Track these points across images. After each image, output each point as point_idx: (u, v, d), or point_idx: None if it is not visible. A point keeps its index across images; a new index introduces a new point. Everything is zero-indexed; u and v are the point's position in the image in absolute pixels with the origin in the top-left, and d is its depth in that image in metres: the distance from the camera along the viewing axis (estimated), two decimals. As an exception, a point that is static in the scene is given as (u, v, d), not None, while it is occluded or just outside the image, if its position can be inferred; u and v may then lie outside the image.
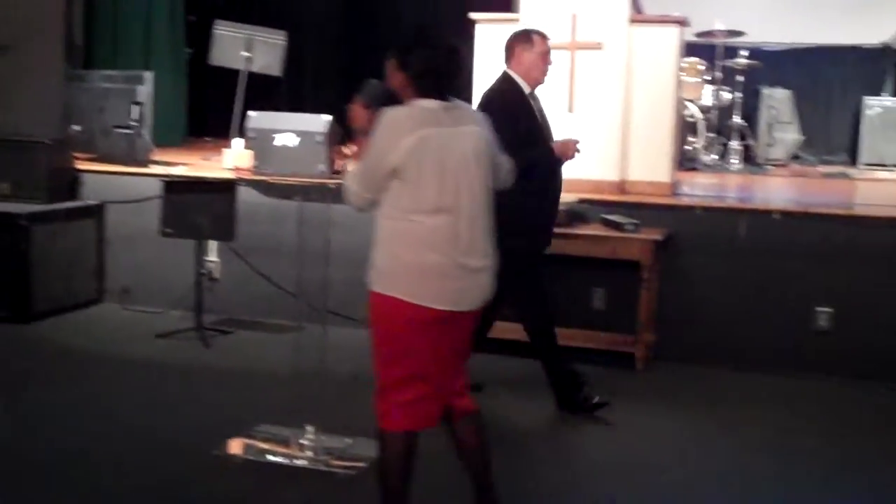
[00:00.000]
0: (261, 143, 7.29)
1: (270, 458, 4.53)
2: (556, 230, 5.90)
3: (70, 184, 7.25)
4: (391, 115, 3.45)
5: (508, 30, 6.52)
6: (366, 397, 5.22)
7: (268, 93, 10.67)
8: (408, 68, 3.49)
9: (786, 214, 6.09)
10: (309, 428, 4.56)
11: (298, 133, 7.23)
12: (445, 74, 3.49)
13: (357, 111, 3.73)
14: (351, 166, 3.66)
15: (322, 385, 4.57)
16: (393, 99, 3.53)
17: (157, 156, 7.55)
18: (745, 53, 9.30)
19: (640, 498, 4.25)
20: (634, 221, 5.92)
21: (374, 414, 3.55)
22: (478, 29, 6.74)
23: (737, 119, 9.29)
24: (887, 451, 4.83)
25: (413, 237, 3.42)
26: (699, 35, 9.02)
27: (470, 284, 3.47)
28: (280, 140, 7.22)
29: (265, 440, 4.70)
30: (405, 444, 3.53)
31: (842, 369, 5.87)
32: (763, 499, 4.29)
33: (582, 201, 6.19)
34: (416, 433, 3.55)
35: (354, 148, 3.75)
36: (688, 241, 6.14)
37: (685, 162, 8.83)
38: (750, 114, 9.72)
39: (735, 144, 9.20)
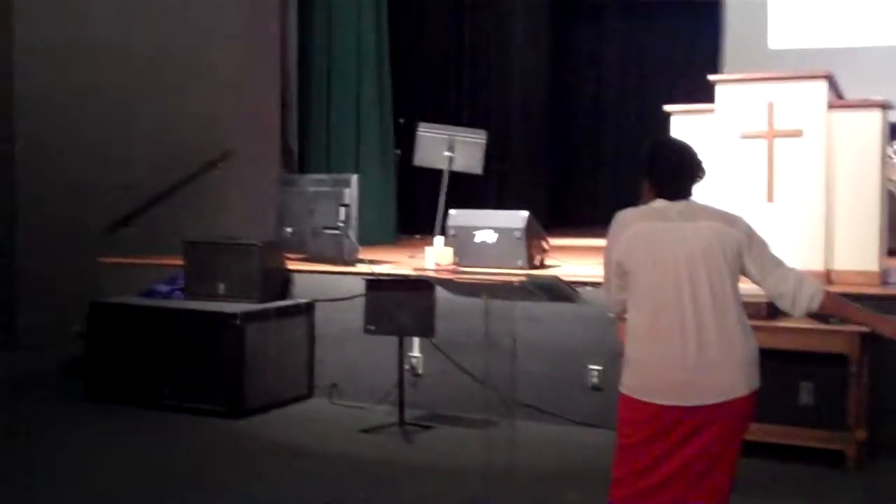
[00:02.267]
0: (461, 240, 7.49)
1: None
2: (759, 323, 5.76)
3: (282, 284, 7.56)
4: (620, 214, 3.64)
5: (704, 121, 6.54)
6: (556, 494, 5.23)
7: (474, 189, 10.96)
8: (645, 175, 3.64)
9: None
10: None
11: (497, 229, 7.39)
12: (676, 177, 3.60)
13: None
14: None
15: (517, 481, 4.56)
16: None
17: (367, 254, 7.79)
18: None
19: None
20: (841, 313, 5.68)
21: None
22: (673, 121, 6.72)
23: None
24: None
25: (635, 331, 3.52)
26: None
27: (697, 379, 3.41)
28: (480, 236, 7.40)
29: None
30: None
31: None
32: None
33: (785, 293, 6.00)
34: None
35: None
36: (900, 333, 5.83)
37: (901, 248, 8.43)
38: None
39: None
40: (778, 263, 3.64)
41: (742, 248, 3.55)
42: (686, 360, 3.40)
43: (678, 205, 3.57)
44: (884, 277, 6.33)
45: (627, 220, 3.57)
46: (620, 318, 3.70)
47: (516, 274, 6.58)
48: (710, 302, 3.44)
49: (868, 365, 5.75)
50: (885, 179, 6.56)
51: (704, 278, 3.45)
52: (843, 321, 3.89)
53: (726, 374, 3.44)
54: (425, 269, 7.25)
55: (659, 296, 3.45)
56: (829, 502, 5.13)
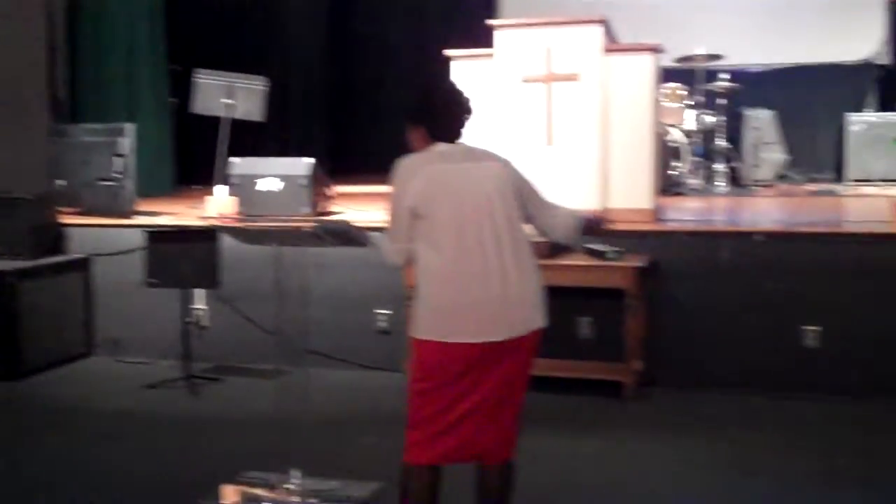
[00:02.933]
0: (244, 189, 7.36)
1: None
2: (540, 262, 5.92)
3: (55, 238, 7.25)
4: (403, 162, 3.60)
5: (484, 66, 6.62)
6: (349, 438, 5.27)
7: (254, 139, 10.74)
8: (420, 122, 3.62)
9: (770, 235, 6.08)
10: (295, 472, 4.53)
11: (281, 177, 7.29)
12: (453, 119, 3.62)
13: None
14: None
15: (307, 428, 4.55)
16: None
17: (144, 206, 7.56)
18: (726, 76, 9.35)
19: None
20: (617, 249, 5.92)
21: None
22: (453, 65, 6.77)
23: (721, 142, 9.31)
24: (878, 467, 4.80)
25: (435, 274, 3.50)
26: (678, 60, 9.07)
27: (502, 315, 3.46)
28: (263, 185, 7.29)
29: (253, 486, 4.67)
30: (427, 478, 3.58)
31: (831, 387, 5.84)
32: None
33: (564, 231, 6.19)
34: (439, 469, 3.60)
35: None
36: (672, 267, 6.13)
37: (671, 187, 8.84)
38: (734, 136, 9.75)
39: (720, 167, 9.22)
40: (545, 201, 3.75)
41: (518, 187, 3.63)
42: (491, 296, 3.44)
43: (459, 147, 3.61)
44: (657, 214, 6.62)
45: (415, 166, 3.55)
46: (401, 266, 3.70)
47: (307, 221, 6.53)
48: (508, 239, 3.50)
49: (644, 299, 6.02)
50: (657, 122, 6.83)
51: (501, 217, 3.50)
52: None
53: (527, 309, 3.53)
54: (209, 219, 7.09)
55: (460, 236, 3.45)
56: (607, 431, 5.35)
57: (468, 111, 3.66)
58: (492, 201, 3.50)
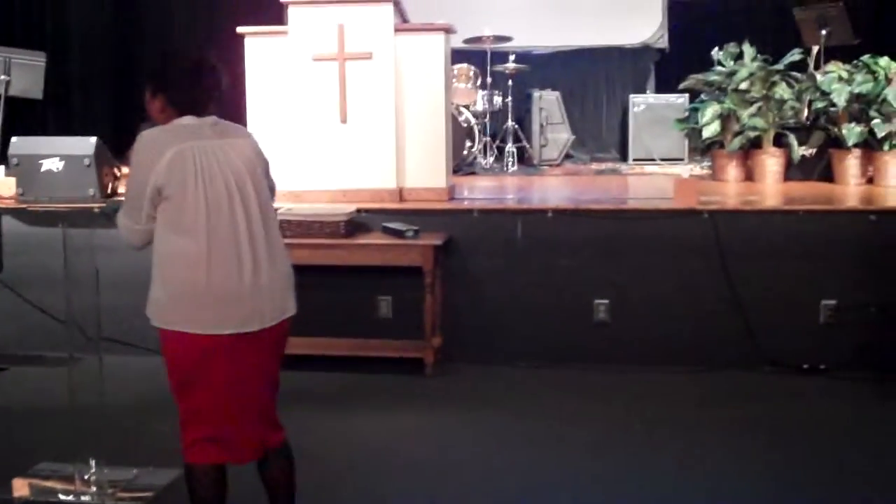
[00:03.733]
0: (25, 170, 6.99)
1: (52, 497, 4.34)
2: (337, 241, 5.92)
3: None
4: (146, 135, 3.32)
5: (278, 43, 6.55)
6: (146, 426, 5.13)
7: (35, 117, 10.28)
8: (159, 90, 3.37)
9: (559, 212, 6.26)
10: (92, 462, 4.39)
11: (64, 157, 6.96)
12: (198, 88, 3.35)
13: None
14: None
15: (102, 417, 4.41)
16: None
17: (-85, 188, 7.10)
18: (514, 58, 9.56)
19: (432, 499, 4.29)
20: (414, 228, 5.98)
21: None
22: (247, 43, 6.67)
23: (510, 122, 9.52)
24: (666, 436, 5.03)
25: (184, 260, 3.26)
26: (468, 41, 9.21)
27: (256, 303, 3.30)
28: (46, 165, 6.95)
29: (48, 478, 4.50)
30: (211, 476, 3.40)
31: (622, 358, 6.08)
32: (553, 488, 4.40)
33: (361, 211, 6.21)
34: (223, 465, 3.43)
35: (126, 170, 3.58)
36: (468, 244, 6.24)
37: (464, 167, 8.99)
38: (522, 117, 9.99)
39: (510, 147, 9.43)
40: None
41: (264, 164, 3.48)
42: (243, 285, 3.27)
43: (207, 121, 3.35)
44: (451, 193, 6.72)
45: (161, 141, 3.27)
46: (140, 247, 3.43)
47: (92, 202, 6.29)
48: (260, 222, 3.33)
49: (441, 276, 6.10)
50: (450, 102, 6.92)
51: (253, 197, 3.32)
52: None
53: (279, 296, 3.38)
54: (1, 199, 6.73)
55: (211, 220, 3.24)
56: (409, 406, 5.41)
57: (217, 83, 3.40)
58: (244, 182, 3.31)
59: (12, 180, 6.96)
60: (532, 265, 6.19)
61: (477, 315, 6.23)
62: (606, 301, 6.13)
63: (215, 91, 3.39)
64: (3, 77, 7.81)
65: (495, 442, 4.95)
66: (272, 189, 3.57)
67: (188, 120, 3.34)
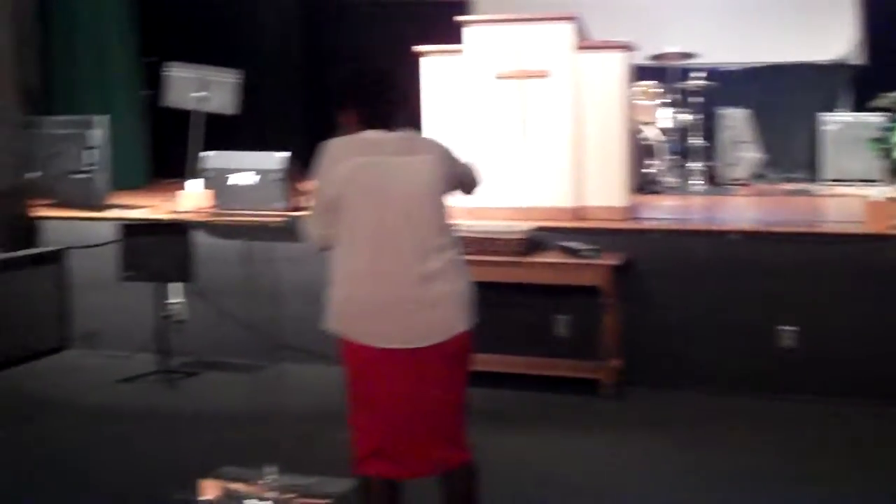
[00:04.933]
0: (218, 183, 7.31)
1: (234, 500, 4.48)
2: (515, 259, 5.93)
3: (27, 231, 7.20)
4: (329, 145, 3.41)
5: (453, 62, 6.62)
6: (325, 434, 5.24)
7: (230, 132, 10.69)
8: (346, 103, 3.44)
9: (745, 234, 6.10)
10: (272, 468, 4.52)
11: (256, 171, 7.24)
12: (383, 103, 3.41)
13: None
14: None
15: (283, 424, 4.54)
16: None
17: (118, 199, 7.50)
18: (702, 75, 9.37)
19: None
20: (592, 247, 5.93)
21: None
22: (423, 62, 6.75)
23: (696, 140, 9.34)
24: (852, 468, 4.83)
25: (348, 272, 3.35)
26: (652, 58, 9.08)
27: (419, 320, 3.32)
28: (237, 179, 7.24)
29: (228, 481, 4.65)
30: (382, 489, 3.45)
31: (809, 387, 5.86)
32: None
33: (539, 229, 6.21)
34: (394, 479, 3.46)
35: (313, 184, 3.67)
36: (648, 265, 6.15)
37: (646, 185, 8.86)
38: (709, 135, 9.78)
39: (696, 166, 9.24)
40: (464, 167, 3.63)
41: (450, 170, 3.48)
42: (408, 301, 3.29)
43: (392, 136, 3.39)
44: (630, 212, 6.63)
45: (340, 153, 3.35)
46: (323, 249, 3.50)
47: (277, 215, 6.50)
48: (432, 240, 3.34)
49: (619, 296, 6.03)
50: (632, 119, 6.84)
51: (426, 216, 3.34)
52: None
53: (447, 313, 3.36)
54: (183, 213, 7.05)
55: (380, 235, 3.29)
56: (584, 428, 5.38)
57: (402, 98, 3.48)
58: (418, 201, 3.33)
59: (207, 192, 7.30)
60: (715, 288, 6.04)
61: (655, 338, 6.12)
62: (792, 328, 5.92)
63: (400, 106, 3.46)
64: (199, 94, 8.17)
65: (666, 470, 4.85)
66: (466, 175, 3.61)
67: (372, 134, 3.39)
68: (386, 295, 3.30)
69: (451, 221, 3.50)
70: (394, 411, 3.36)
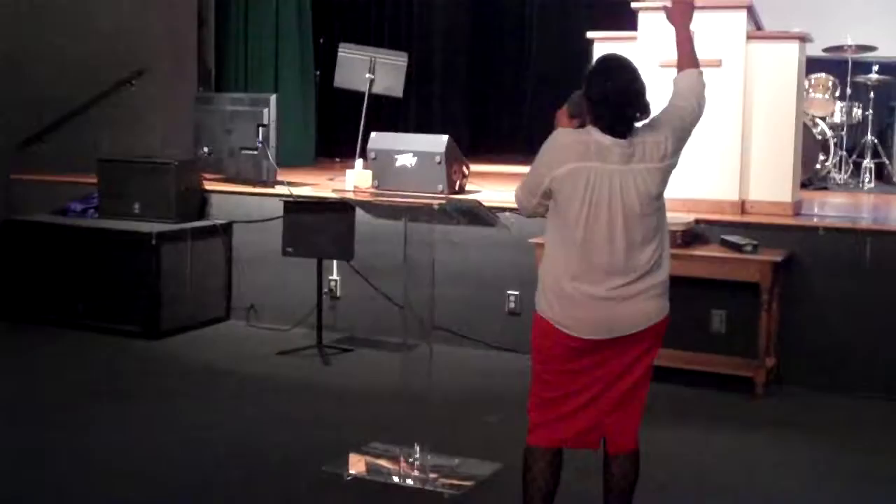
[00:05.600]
0: (381, 164, 7.44)
1: (379, 476, 4.58)
2: (674, 251, 5.83)
3: (199, 204, 7.47)
4: (558, 139, 3.51)
5: (625, 48, 6.52)
6: (473, 418, 5.30)
7: (396, 114, 10.87)
8: (586, 92, 3.48)
9: (915, 236, 5.88)
10: (417, 447, 4.59)
11: (417, 153, 7.34)
12: (618, 108, 3.41)
13: (562, 118, 3.74)
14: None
15: (431, 404, 4.60)
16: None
17: (285, 176, 7.70)
18: (877, 69, 9.04)
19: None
20: (754, 242, 5.80)
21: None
22: (595, 47, 6.71)
23: (869, 137, 9.02)
24: None
25: (556, 263, 3.48)
26: (828, 50, 8.80)
27: (622, 314, 3.43)
28: (400, 160, 7.35)
29: (375, 457, 4.75)
30: (549, 461, 3.59)
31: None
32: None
33: (699, 221, 6.11)
34: (561, 452, 3.61)
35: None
36: (810, 263, 5.98)
37: (816, 181, 8.62)
38: (883, 131, 9.43)
39: (868, 163, 8.93)
40: (678, 105, 3.65)
41: (673, 132, 3.50)
42: (606, 299, 3.41)
43: (620, 143, 3.40)
44: (796, 208, 6.45)
45: (566, 152, 3.42)
46: (528, 215, 3.66)
47: (436, 198, 6.57)
48: (640, 242, 3.42)
49: (778, 294, 5.89)
50: (802, 113, 6.65)
51: (637, 222, 3.40)
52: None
53: (646, 305, 3.46)
54: (345, 192, 7.20)
55: (591, 238, 3.39)
56: (737, 427, 5.27)
57: (643, 112, 3.46)
58: (633, 208, 3.40)
59: (369, 173, 7.44)
60: (880, 290, 5.83)
61: (815, 338, 5.95)
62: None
63: (639, 119, 3.47)
64: (369, 76, 8.31)
65: (814, 474, 4.72)
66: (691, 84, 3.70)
67: (599, 137, 3.43)
68: (583, 293, 3.42)
69: (663, 210, 3.52)
70: (584, 389, 3.52)
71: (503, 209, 5.78)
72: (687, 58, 3.78)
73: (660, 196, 3.49)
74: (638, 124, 3.47)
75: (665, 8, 3.90)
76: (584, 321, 3.44)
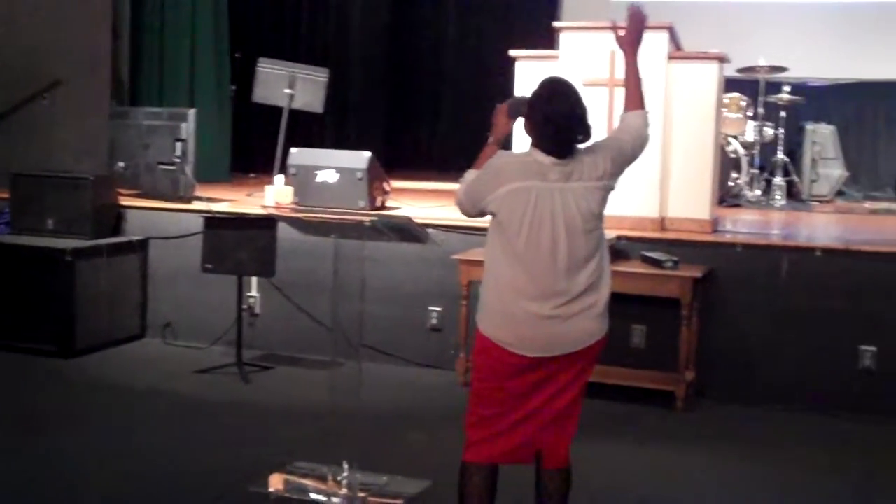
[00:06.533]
0: (302, 180, 7.39)
1: (306, 495, 4.53)
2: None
3: (114, 220, 7.33)
4: (501, 160, 3.56)
5: (548, 67, 6.58)
6: (399, 435, 5.28)
7: (312, 130, 10.81)
8: (530, 115, 3.52)
9: (828, 251, 6.02)
10: (345, 465, 4.55)
11: (339, 169, 7.31)
12: (561, 131, 3.45)
13: (500, 116, 3.77)
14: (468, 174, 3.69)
15: (358, 422, 4.56)
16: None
17: (202, 192, 7.60)
18: (788, 89, 9.26)
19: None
20: (674, 258, 5.89)
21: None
22: (517, 66, 6.76)
23: (780, 155, 9.23)
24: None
25: (498, 281, 3.51)
26: (741, 71, 8.99)
27: (559, 332, 3.46)
28: (321, 176, 7.31)
29: (302, 476, 4.70)
30: (483, 476, 3.61)
31: (887, 409, 5.76)
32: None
33: (621, 238, 6.18)
34: (496, 468, 3.63)
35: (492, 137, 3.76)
36: (728, 279, 6.09)
37: (729, 198, 8.78)
38: (794, 150, 9.66)
39: (779, 180, 9.13)
40: (620, 139, 3.70)
41: (612, 158, 3.56)
42: (548, 318, 3.44)
43: (561, 163, 3.45)
44: (714, 225, 6.57)
45: (506, 173, 3.46)
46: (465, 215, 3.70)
47: (362, 214, 6.55)
48: (583, 259, 3.46)
49: (698, 309, 5.98)
50: (720, 132, 6.77)
51: (581, 238, 3.44)
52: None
53: (588, 324, 3.51)
54: (270, 208, 7.13)
55: (534, 255, 3.42)
56: (658, 440, 5.33)
57: (585, 136, 3.51)
58: (575, 226, 3.43)
59: (290, 189, 7.38)
60: (795, 305, 5.97)
61: (733, 352, 6.07)
62: (873, 348, 5.83)
63: (581, 141, 3.51)
64: (288, 91, 8.26)
65: (736, 486, 4.78)
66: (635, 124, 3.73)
67: (542, 157, 3.47)
68: (525, 311, 3.45)
69: (601, 229, 3.56)
70: (522, 405, 3.54)
71: (431, 225, 5.78)
72: (634, 97, 3.82)
73: (600, 216, 3.53)
74: (581, 146, 3.51)
75: (616, 34, 3.91)
76: (527, 339, 3.46)
